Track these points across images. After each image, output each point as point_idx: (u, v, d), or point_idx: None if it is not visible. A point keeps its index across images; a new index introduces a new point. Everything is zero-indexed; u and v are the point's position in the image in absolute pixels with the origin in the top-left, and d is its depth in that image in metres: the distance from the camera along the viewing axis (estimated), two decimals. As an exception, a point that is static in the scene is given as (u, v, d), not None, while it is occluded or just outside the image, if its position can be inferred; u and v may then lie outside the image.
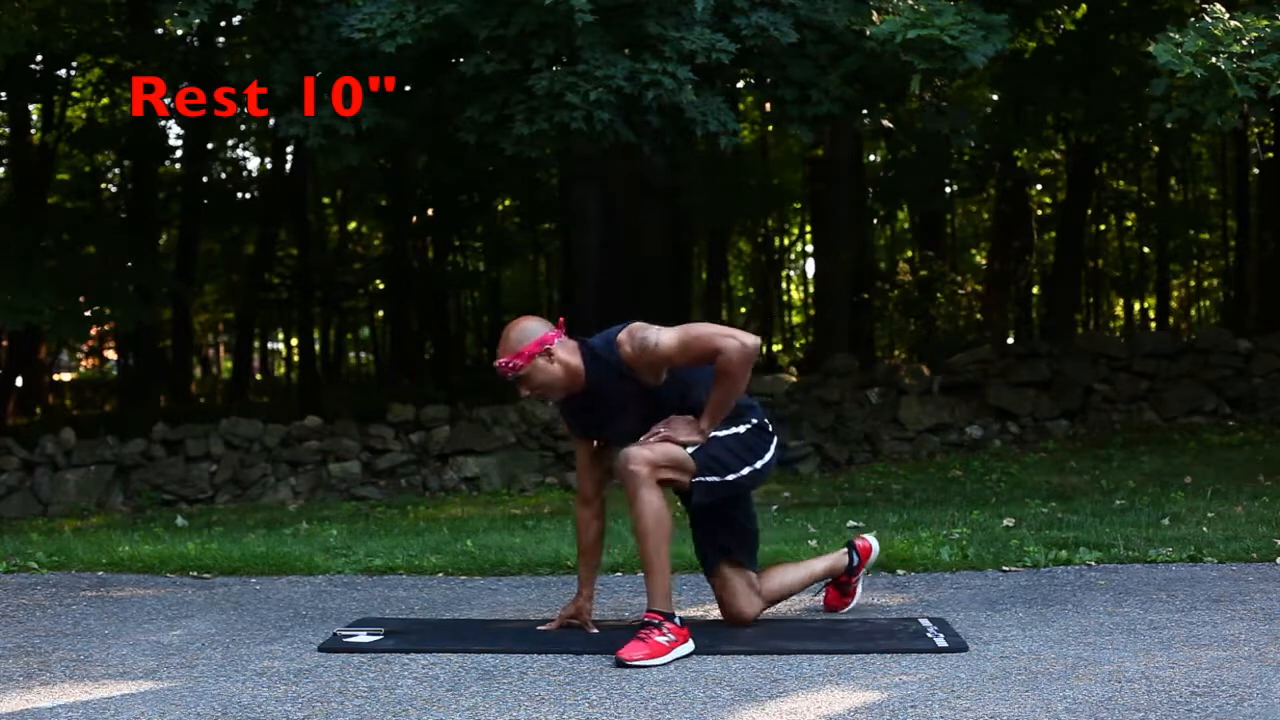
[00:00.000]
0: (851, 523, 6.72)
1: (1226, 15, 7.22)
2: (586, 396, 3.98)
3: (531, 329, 3.92)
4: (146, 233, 18.03)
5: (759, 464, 4.07)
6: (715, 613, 4.52)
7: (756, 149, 20.50)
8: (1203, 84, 6.99)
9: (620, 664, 3.66)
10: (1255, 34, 7.00)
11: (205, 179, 20.70)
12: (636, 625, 3.84)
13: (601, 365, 3.94)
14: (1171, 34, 7.28)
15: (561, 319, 4.07)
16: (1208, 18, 7.21)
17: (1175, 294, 25.19)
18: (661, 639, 3.73)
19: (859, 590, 4.49)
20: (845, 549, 4.49)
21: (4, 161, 17.91)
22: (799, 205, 23.02)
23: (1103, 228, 22.86)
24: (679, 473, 3.95)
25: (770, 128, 18.90)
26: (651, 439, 3.92)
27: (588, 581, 4.17)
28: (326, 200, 24.43)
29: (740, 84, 10.33)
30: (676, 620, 3.81)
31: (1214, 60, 6.88)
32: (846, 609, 4.46)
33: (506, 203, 22.15)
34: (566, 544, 6.03)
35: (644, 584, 3.92)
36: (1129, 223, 23.30)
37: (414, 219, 20.69)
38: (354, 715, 3.26)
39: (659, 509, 3.89)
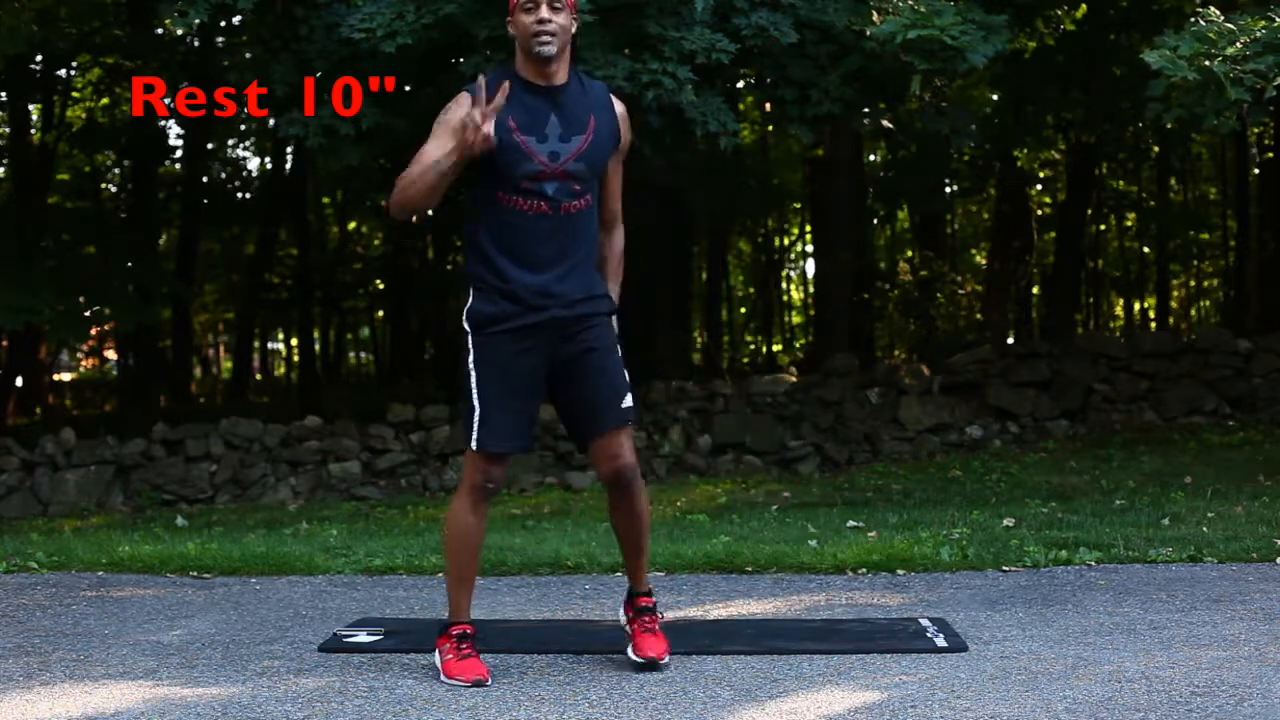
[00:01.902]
0: (851, 523, 6.72)
1: (1221, 18, 7.22)
2: (547, 103, 3.57)
3: None
4: (146, 233, 18.02)
5: None
6: (715, 612, 4.52)
7: (756, 149, 20.49)
8: (1199, 86, 6.98)
9: (653, 665, 3.59)
10: (1249, 36, 7.00)
11: (205, 179, 20.70)
12: (643, 611, 3.74)
13: (589, 84, 3.69)
14: (1166, 38, 7.28)
15: None
16: (1202, 21, 7.21)
17: (1175, 294, 25.18)
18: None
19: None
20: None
21: (4, 161, 17.90)
22: (799, 205, 23.02)
23: (1103, 228, 22.85)
24: None
25: (770, 128, 18.89)
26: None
27: None
28: (326, 200, 24.43)
29: (740, 84, 10.32)
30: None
31: (1208, 64, 6.87)
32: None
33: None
34: (566, 544, 6.04)
35: (640, 568, 3.78)
36: (1129, 223, 23.29)
37: (414, 219, 20.67)
38: (354, 715, 3.26)
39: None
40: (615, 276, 3.79)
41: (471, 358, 3.61)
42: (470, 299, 3.64)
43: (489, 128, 3.45)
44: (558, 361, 3.61)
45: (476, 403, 3.58)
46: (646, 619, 3.70)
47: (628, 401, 3.65)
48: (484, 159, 3.54)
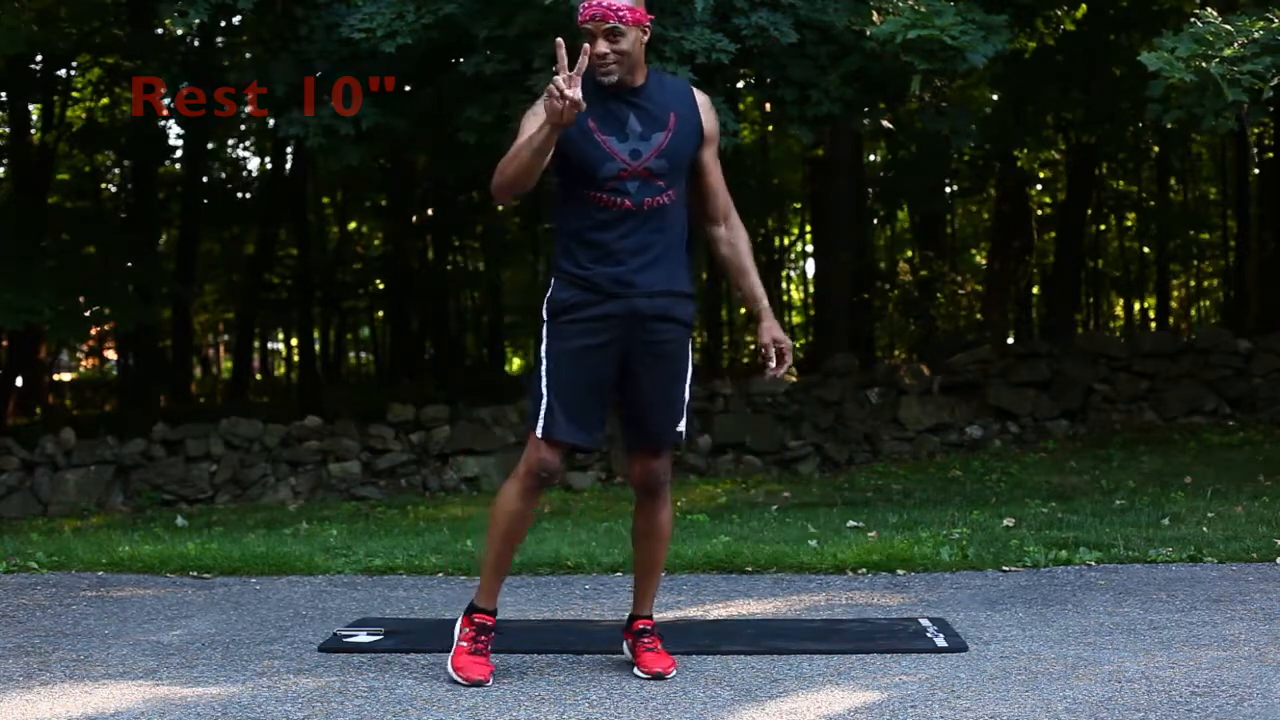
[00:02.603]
0: (851, 523, 6.72)
1: (1218, 19, 7.21)
2: (625, 104, 3.55)
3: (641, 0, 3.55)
4: (146, 233, 18.01)
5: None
6: (715, 612, 4.52)
7: (756, 149, 20.49)
8: (1197, 87, 6.98)
9: (660, 678, 3.56)
10: (1246, 37, 6.99)
11: (205, 179, 20.69)
12: (641, 634, 3.71)
13: (668, 81, 3.68)
14: (1164, 40, 7.27)
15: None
16: (1200, 22, 7.20)
17: (1175, 294, 25.17)
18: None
19: None
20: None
21: (4, 161, 17.90)
22: (799, 205, 23.01)
23: (1103, 228, 22.84)
24: None
25: (770, 128, 18.89)
26: (781, 349, 3.63)
27: None
28: (326, 200, 24.42)
29: (740, 84, 10.32)
30: None
31: (1205, 65, 6.87)
32: None
33: (507, 202, 22.12)
34: (566, 544, 6.04)
35: (647, 589, 3.76)
36: (1129, 223, 23.29)
37: (414, 219, 20.69)
38: (354, 715, 3.26)
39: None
40: (751, 261, 3.76)
41: (545, 345, 3.60)
42: (550, 288, 3.64)
43: (575, 92, 3.33)
44: (631, 356, 3.58)
45: (544, 389, 3.57)
46: (646, 640, 3.67)
47: (681, 425, 3.67)
48: (570, 160, 3.54)
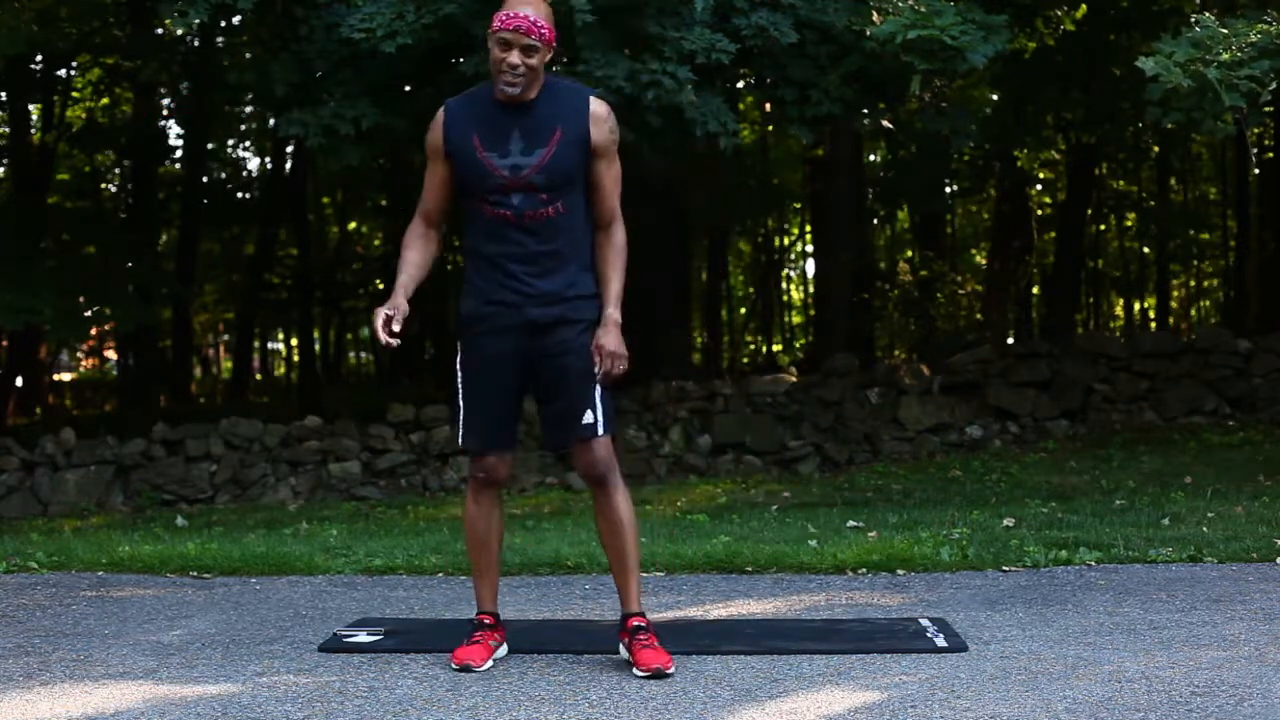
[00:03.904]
0: (851, 523, 6.72)
1: (1216, 23, 7.21)
2: (511, 119, 3.68)
3: (553, 18, 3.71)
4: (146, 233, 18.02)
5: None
6: (715, 612, 4.52)
7: (756, 149, 20.49)
8: (1195, 91, 6.98)
9: (660, 674, 3.57)
10: (1244, 41, 6.98)
11: (205, 179, 20.70)
12: (636, 631, 3.72)
13: (564, 92, 3.75)
14: (1163, 43, 7.27)
15: None
16: (1198, 27, 7.20)
17: (1175, 294, 25.18)
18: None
19: None
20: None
21: (4, 161, 17.90)
22: (799, 205, 23.01)
23: (1103, 228, 22.85)
24: None
25: (770, 128, 18.89)
26: (607, 357, 3.68)
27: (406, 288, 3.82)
28: (326, 200, 24.43)
29: (740, 84, 10.32)
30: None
31: (1202, 69, 6.86)
32: None
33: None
34: (566, 544, 6.03)
35: (627, 585, 3.79)
36: (1129, 223, 23.29)
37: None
38: (354, 715, 3.26)
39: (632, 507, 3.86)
40: (616, 269, 3.80)
41: (458, 358, 3.82)
42: (462, 301, 3.83)
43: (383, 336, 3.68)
44: (535, 362, 3.74)
45: (460, 401, 3.80)
46: (642, 637, 3.69)
47: (588, 418, 3.73)
48: (459, 175, 3.75)
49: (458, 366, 3.81)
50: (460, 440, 3.81)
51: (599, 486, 3.78)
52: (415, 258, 3.85)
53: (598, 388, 3.74)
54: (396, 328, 3.66)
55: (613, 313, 3.73)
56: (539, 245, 3.70)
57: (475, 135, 3.70)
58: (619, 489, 3.79)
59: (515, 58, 3.61)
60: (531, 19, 3.61)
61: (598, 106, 3.74)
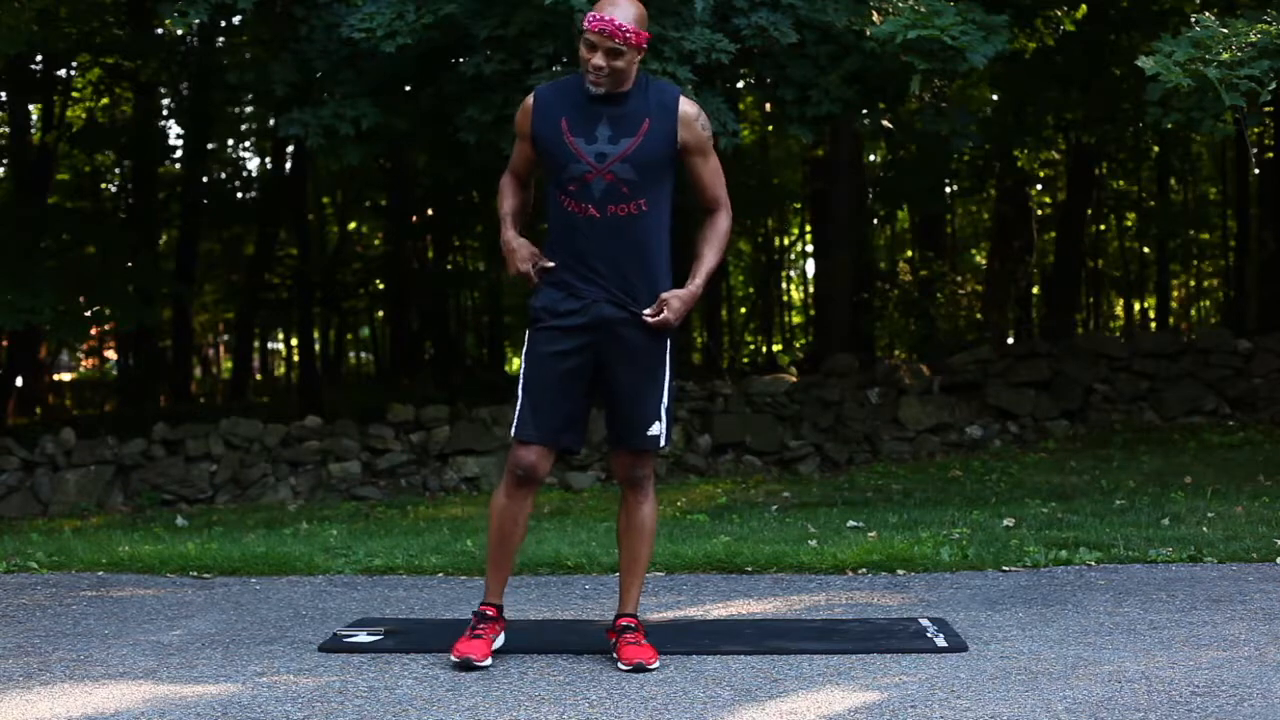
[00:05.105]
0: (851, 523, 6.72)
1: (1216, 22, 7.21)
2: (601, 108, 3.69)
3: (645, 20, 3.70)
4: (146, 233, 18.01)
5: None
6: (715, 612, 4.52)
7: (756, 149, 20.48)
8: (1195, 91, 6.98)
9: (641, 669, 3.61)
10: (1244, 41, 6.98)
11: (205, 179, 20.70)
12: (624, 630, 3.77)
13: (655, 89, 3.76)
14: (1162, 43, 7.27)
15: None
16: (1198, 27, 7.20)
17: (1175, 294, 25.17)
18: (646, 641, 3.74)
19: None
20: None
21: (4, 161, 17.90)
22: (799, 205, 23.00)
23: (1103, 228, 22.84)
24: None
25: (770, 128, 18.89)
26: (664, 310, 3.69)
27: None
28: (326, 200, 24.42)
29: (740, 84, 10.32)
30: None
31: (1202, 69, 6.87)
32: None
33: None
34: (566, 544, 6.03)
35: (630, 587, 3.85)
36: (1129, 223, 23.28)
37: (414, 219, 20.69)
38: (354, 715, 3.26)
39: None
40: (712, 247, 3.85)
41: (525, 348, 3.81)
42: (536, 291, 3.81)
43: (528, 269, 3.78)
44: (604, 360, 3.74)
45: (520, 391, 3.78)
46: (629, 635, 3.74)
47: (653, 430, 3.76)
48: (544, 157, 3.76)
49: (523, 357, 3.81)
50: (514, 431, 3.77)
51: (634, 489, 3.81)
52: (513, 200, 3.92)
53: (665, 397, 3.77)
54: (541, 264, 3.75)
55: (696, 283, 3.78)
56: (619, 242, 3.70)
57: (564, 120, 3.70)
58: (650, 495, 3.85)
59: (600, 60, 3.62)
60: (618, 23, 3.60)
61: (687, 106, 3.77)
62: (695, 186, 3.85)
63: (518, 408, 3.77)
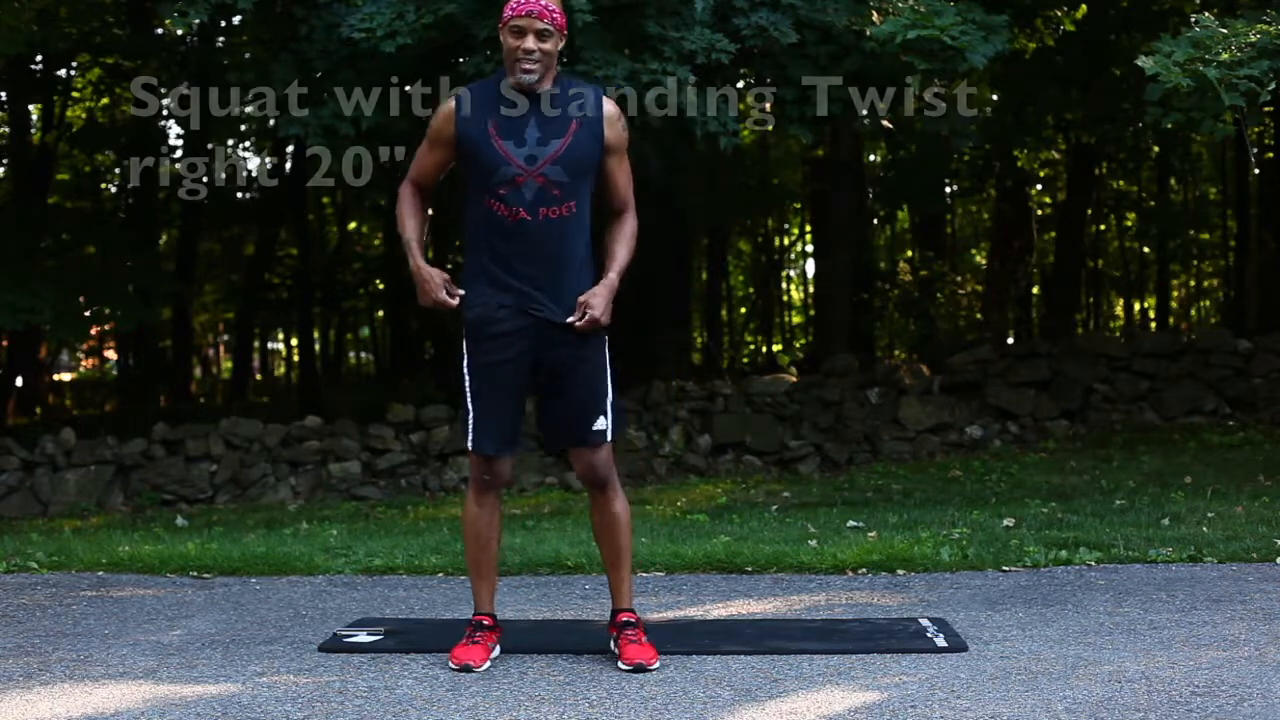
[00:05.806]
0: (851, 523, 6.72)
1: (1216, 23, 7.21)
2: (527, 110, 3.68)
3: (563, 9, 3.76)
4: (146, 233, 18.00)
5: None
6: (715, 612, 4.52)
7: (756, 149, 20.48)
8: (1195, 91, 6.98)
9: (641, 669, 3.62)
10: (1244, 41, 6.98)
11: (206, 179, 20.68)
12: (625, 626, 3.78)
13: (574, 89, 3.76)
14: (1162, 43, 7.27)
15: None
16: (1198, 27, 7.20)
17: (1175, 294, 25.17)
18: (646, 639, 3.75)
19: None
20: None
21: (4, 161, 17.90)
22: (799, 205, 23.00)
23: (1103, 228, 22.84)
24: None
25: (770, 128, 18.90)
26: (588, 312, 3.68)
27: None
28: (326, 200, 24.42)
29: (740, 84, 10.31)
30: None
31: (1202, 69, 6.87)
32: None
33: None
34: (566, 544, 6.03)
35: (620, 581, 3.85)
36: (1129, 223, 23.29)
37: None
38: (354, 715, 3.26)
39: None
40: (623, 244, 3.81)
41: (465, 360, 3.80)
42: (466, 304, 3.78)
43: (442, 296, 3.79)
44: (543, 366, 3.75)
45: (470, 404, 3.79)
46: (629, 632, 3.74)
47: (599, 425, 3.76)
48: (469, 162, 3.71)
49: (465, 370, 3.79)
50: (471, 444, 3.79)
51: (599, 490, 3.81)
52: (416, 222, 3.89)
53: (609, 393, 3.77)
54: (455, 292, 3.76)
55: (612, 276, 3.75)
56: (551, 245, 3.68)
57: (490, 124, 3.68)
58: (619, 492, 3.85)
59: (531, 43, 3.63)
60: (544, 3, 3.63)
61: (610, 106, 3.78)
62: (608, 187, 3.80)
63: (470, 421, 3.78)
